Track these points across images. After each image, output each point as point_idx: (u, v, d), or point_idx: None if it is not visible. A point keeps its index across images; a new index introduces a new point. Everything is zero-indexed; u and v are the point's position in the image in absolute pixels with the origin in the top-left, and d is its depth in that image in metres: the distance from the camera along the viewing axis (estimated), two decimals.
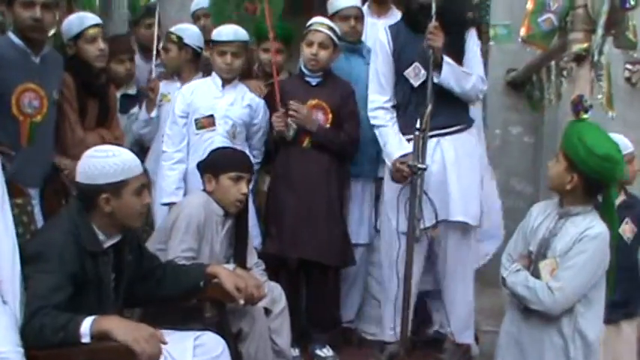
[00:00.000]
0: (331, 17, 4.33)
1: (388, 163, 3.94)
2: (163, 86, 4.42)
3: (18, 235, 2.95)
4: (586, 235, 2.95)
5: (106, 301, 2.83)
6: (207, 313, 3.19)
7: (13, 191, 3.18)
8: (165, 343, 2.56)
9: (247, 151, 4.09)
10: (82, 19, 3.85)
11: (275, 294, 3.70)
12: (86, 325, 2.49)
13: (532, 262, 3.10)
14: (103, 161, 2.77)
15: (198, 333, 3.01)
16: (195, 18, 4.92)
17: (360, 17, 4.39)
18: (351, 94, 4.22)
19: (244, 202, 3.61)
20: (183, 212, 3.49)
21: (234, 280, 3.11)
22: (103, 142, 3.81)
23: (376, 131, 4.04)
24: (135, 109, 4.47)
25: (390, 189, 3.97)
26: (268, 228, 4.20)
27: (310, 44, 4.12)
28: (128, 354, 2.44)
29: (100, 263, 2.80)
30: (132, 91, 4.55)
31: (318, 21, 4.18)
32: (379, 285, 4.30)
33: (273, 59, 4.17)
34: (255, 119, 4.17)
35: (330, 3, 4.45)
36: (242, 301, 3.10)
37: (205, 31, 4.52)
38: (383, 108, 4.02)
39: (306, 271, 4.19)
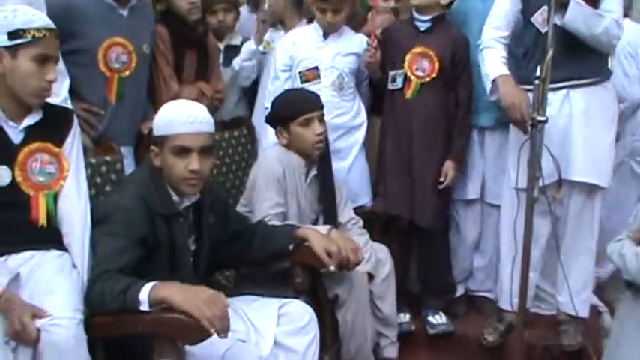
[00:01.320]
0: None
1: (487, 83, 3.56)
2: (267, 36, 4.20)
3: (105, 193, 2.90)
4: None
5: (182, 266, 2.69)
6: (298, 279, 2.99)
7: (104, 149, 3.16)
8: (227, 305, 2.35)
9: (358, 101, 3.87)
10: None
11: (380, 257, 3.46)
12: (145, 291, 2.32)
13: None
14: (161, 112, 2.67)
15: (284, 301, 2.85)
16: None
17: None
18: (467, 46, 3.82)
19: (325, 142, 3.36)
20: (260, 169, 3.31)
21: (326, 244, 2.90)
22: (202, 95, 3.71)
23: (482, 54, 3.63)
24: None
25: (514, 141, 3.59)
26: (377, 185, 3.94)
27: None
28: (191, 327, 2.26)
29: (173, 226, 2.66)
30: (236, 41, 4.33)
31: None
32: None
33: None
34: (363, 66, 3.85)
35: None
36: (333, 267, 2.89)
37: None
38: (497, 40, 3.60)
39: (416, 232, 3.91)
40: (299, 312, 2.80)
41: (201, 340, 2.28)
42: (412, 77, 3.79)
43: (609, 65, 3.69)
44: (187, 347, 2.40)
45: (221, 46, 4.29)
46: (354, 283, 3.18)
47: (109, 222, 2.53)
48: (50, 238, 2.54)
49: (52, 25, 2.52)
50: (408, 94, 3.80)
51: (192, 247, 2.77)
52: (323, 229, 3.10)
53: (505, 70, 3.53)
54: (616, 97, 3.72)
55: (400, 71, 3.81)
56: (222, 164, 3.69)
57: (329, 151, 3.47)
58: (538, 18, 3.49)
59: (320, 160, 3.42)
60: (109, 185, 3.00)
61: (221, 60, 4.26)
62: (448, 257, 4.05)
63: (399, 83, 3.82)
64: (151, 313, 2.31)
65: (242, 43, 4.29)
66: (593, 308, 4.04)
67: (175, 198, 2.68)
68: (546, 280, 3.89)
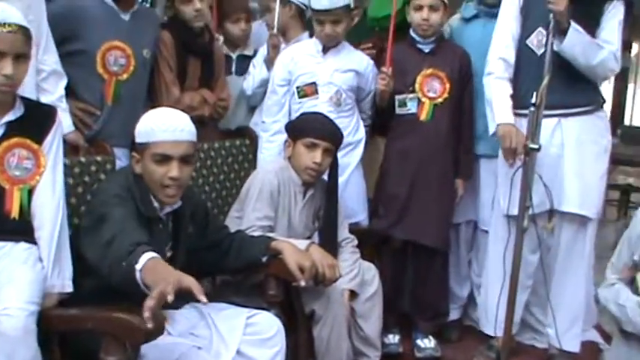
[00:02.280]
0: None
1: (490, 120, 3.55)
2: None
3: (92, 193, 2.95)
4: None
5: None
6: (271, 291, 2.98)
7: (97, 149, 3.21)
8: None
9: (356, 117, 3.85)
10: None
11: (367, 276, 3.44)
12: (142, 262, 2.28)
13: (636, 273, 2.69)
14: (144, 119, 2.68)
15: (255, 311, 2.82)
16: None
17: None
18: (470, 60, 3.85)
19: (319, 172, 3.35)
20: (256, 179, 3.32)
21: (298, 258, 2.89)
22: (204, 102, 3.76)
23: (487, 80, 3.62)
24: (250, 69, 4.23)
25: (504, 167, 3.57)
26: (376, 205, 3.93)
27: (419, 8, 3.76)
28: (134, 327, 2.22)
29: (154, 230, 2.69)
30: (249, 51, 4.34)
31: None
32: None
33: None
34: (363, 84, 3.85)
35: None
36: (303, 282, 2.88)
37: None
38: (505, 60, 3.58)
39: (413, 252, 3.88)
40: (267, 324, 2.77)
41: (146, 342, 2.28)
42: (425, 100, 3.80)
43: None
44: (142, 349, 2.41)
45: (234, 55, 4.32)
46: (331, 299, 3.15)
47: (109, 203, 2.56)
48: (21, 230, 2.57)
49: (7, 20, 2.51)
50: (422, 116, 3.80)
51: (168, 254, 2.78)
52: (301, 242, 3.10)
53: (510, 119, 3.49)
54: (609, 127, 3.66)
55: (411, 95, 3.82)
56: (221, 172, 3.72)
57: (337, 183, 3.45)
58: (534, 40, 3.50)
59: (328, 191, 3.42)
60: (96, 184, 3.01)
61: (233, 69, 4.31)
62: (446, 280, 4.02)
63: (411, 107, 3.83)
64: (100, 310, 2.34)
65: (254, 54, 4.29)
66: (594, 345, 3.96)
67: (156, 204, 2.71)
68: (541, 311, 3.84)
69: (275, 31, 4.11)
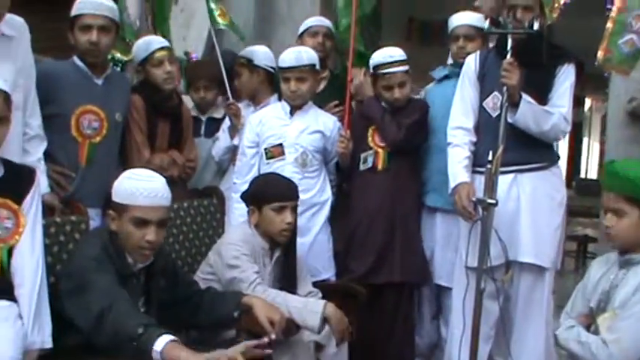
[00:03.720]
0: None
1: (450, 186, 3.70)
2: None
3: (68, 251, 3.04)
4: None
5: None
6: None
7: (72, 209, 3.32)
8: None
9: (322, 178, 4.00)
10: (149, 43, 3.89)
11: None
12: (159, 345, 2.45)
13: (593, 321, 2.82)
14: (121, 179, 2.80)
15: None
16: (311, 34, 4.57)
17: (473, 37, 4.08)
18: (426, 110, 4.06)
19: (292, 231, 3.46)
20: (228, 249, 3.34)
21: (268, 312, 3.00)
22: (174, 163, 3.88)
23: (449, 150, 3.78)
24: (219, 133, 4.41)
25: (464, 221, 3.72)
26: (347, 261, 4.07)
27: (389, 88, 3.97)
28: None
29: (128, 285, 2.78)
30: (218, 114, 4.51)
31: (388, 60, 3.97)
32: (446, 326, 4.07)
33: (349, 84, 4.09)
34: (329, 145, 4.01)
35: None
36: (273, 335, 2.97)
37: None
38: (463, 128, 3.76)
39: (378, 305, 4.00)
40: None
41: None
42: (378, 150, 4.00)
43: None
44: None
45: (203, 117, 4.49)
46: (298, 352, 3.25)
47: (89, 268, 2.67)
48: (1, 288, 2.65)
49: None
50: (379, 165, 4.00)
51: (142, 309, 2.88)
52: (318, 303, 3.25)
53: (466, 178, 3.67)
54: (564, 182, 3.84)
55: (370, 151, 4.01)
56: (190, 231, 3.81)
57: (295, 238, 3.53)
58: (489, 102, 3.68)
59: (285, 245, 3.49)
60: (72, 244, 3.12)
61: (202, 131, 4.47)
62: (411, 330, 4.14)
63: (369, 163, 4.02)
64: None
65: (224, 116, 4.45)
66: None
67: (130, 260, 2.82)
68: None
69: (231, 99, 4.30)
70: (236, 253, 3.29)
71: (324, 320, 3.21)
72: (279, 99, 4.17)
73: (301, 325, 3.19)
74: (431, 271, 4.15)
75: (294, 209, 3.44)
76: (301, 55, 3.90)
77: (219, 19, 4.60)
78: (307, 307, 3.21)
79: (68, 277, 2.76)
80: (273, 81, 4.34)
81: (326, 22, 4.57)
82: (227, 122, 4.36)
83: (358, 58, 4.28)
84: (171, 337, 2.48)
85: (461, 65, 3.95)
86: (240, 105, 4.37)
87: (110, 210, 2.82)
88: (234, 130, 4.28)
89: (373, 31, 4.76)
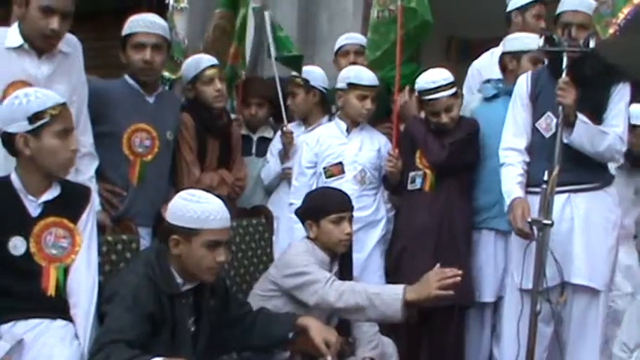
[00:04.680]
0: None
1: (506, 203, 3.63)
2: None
3: (119, 270, 3.03)
4: None
5: (182, 345, 2.76)
6: None
7: (122, 228, 3.31)
8: None
9: (379, 196, 4.02)
10: (199, 62, 3.89)
11: (387, 349, 3.49)
12: None
13: None
14: (184, 203, 2.73)
15: None
16: (343, 54, 4.69)
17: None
18: (476, 129, 3.98)
19: (350, 241, 3.42)
20: (296, 260, 3.28)
21: (324, 334, 2.94)
22: (223, 182, 3.87)
23: (502, 170, 3.73)
24: (268, 156, 4.41)
25: (517, 242, 3.66)
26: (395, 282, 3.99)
27: (437, 114, 3.91)
28: None
29: (176, 306, 2.75)
30: (268, 134, 4.51)
31: (432, 86, 3.89)
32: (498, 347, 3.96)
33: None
34: (383, 163, 4.01)
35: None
36: (329, 358, 2.93)
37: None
38: (515, 149, 3.71)
39: (427, 325, 3.94)
40: None
41: None
42: (426, 171, 3.95)
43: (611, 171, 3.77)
44: None
45: (254, 137, 4.49)
46: None
47: (119, 297, 2.63)
48: (57, 308, 2.65)
49: (62, 100, 2.70)
50: (427, 187, 3.96)
51: (192, 329, 2.85)
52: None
53: (520, 194, 3.60)
54: (618, 202, 3.76)
55: (419, 172, 3.97)
56: (239, 250, 3.77)
57: (351, 250, 3.50)
58: (542, 123, 3.62)
59: (342, 256, 3.46)
60: (123, 263, 3.11)
61: (254, 150, 4.46)
62: (461, 351, 4.06)
63: (417, 184, 3.97)
64: None
65: (275, 135, 4.45)
66: None
67: (179, 280, 2.78)
68: None
69: (287, 126, 4.28)
70: (305, 262, 3.24)
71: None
72: (330, 119, 4.18)
73: (381, 316, 3.11)
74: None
75: (351, 220, 3.40)
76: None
77: (292, 48, 4.60)
78: (385, 292, 3.11)
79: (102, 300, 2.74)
80: (325, 102, 4.35)
81: (357, 39, 4.63)
82: (276, 145, 4.35)
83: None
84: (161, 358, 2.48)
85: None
86: (291, 125, 4.37)
87: (174, 235, 2.74)
88: (286, 157, 4.27)
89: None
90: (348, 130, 4.03)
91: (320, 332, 2.94)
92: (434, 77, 3.90)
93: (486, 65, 4.46)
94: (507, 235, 3.91)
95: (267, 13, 4.64)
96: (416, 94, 4.03)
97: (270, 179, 4.37)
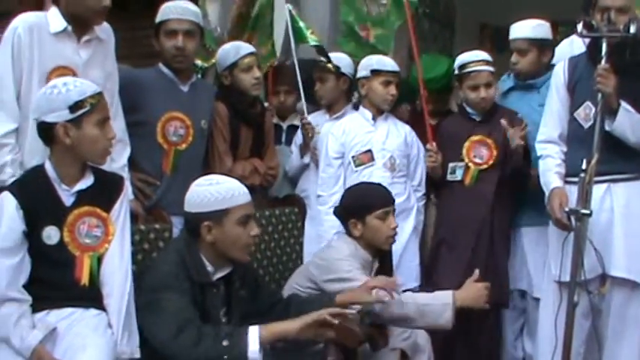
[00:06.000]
0: None
1: (546, 194, 3.56)
2: (311, 118, 4.26)
3: (152, 259, 3.03)
4: None
5: None
6: (331, 357, 2.99)
7: (155, 217, 3.29)
8: None
9: (409, 184, 4.01)
10: (238, 49, 3.84)
11: (419, 341, 3.41)
12: (254, 342, 2.52)
13: None
14: (204, 189, 2.74)
15: None
16: None
17: (538, 47, 3.99)
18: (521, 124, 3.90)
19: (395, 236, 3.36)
20: (341, 264, 3.20)
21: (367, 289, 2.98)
22: (255, 171, 3.84)
23: (540, 162, 3.67)
24: (292, 147, 4.38)
25: (555, 234, 3.57)
26: (433, 274, 4.00)
27: (475, 88, 3.89)
28: None
29: (207, 295, 2.75)
30: (298, 122, 4.44)
31: (474, 59, 3.92)
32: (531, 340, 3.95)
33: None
34: (410, 151, 4.03)
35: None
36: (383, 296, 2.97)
37: None
38: (552, 142, 3.64)
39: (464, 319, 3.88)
40: None
41: None
42: (470, 165, 3.90)
43: None
44: None
45: (284, 125, 4.46)
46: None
47: (164, 286, 2.64)
48: (90, 297, 2.64)
49: (99, 89, 2.69)
50: (467, 180, 3.90)
51: (224, 319, 2.84)
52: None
53: (559, 183, 3.55)
54: None
55: (460, 163, 3.93)
56: (271, 240, 3.75)
57: (392, 247, 3.45)
58: (581, 113, 3.54)
59: (382, 256, 3.42)
60: (155, 252, 3.11)
61: (283, 138, 4.45)
62: (496, 349, 4.04)
63: (458, 175, 3.95)
64: None
65: None
66: None
67: (210, 268, 2.77)
68: None
69: (307, 117, 4.23)
70: (349, 267, 3.18)
71: None
72: (355, 107, 4.16)
73: (431, 325, 3.12)
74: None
75: (394, 212, 3.35)
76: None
77: (311, 37, 4.52)
78: (435, 301, 3.09)
79: (140, 292, 2.72)
80: (351, 91, 4.32)
81: None
82: (299, 137, 4.31)
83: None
84: (256, 327, 2.55)
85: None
86: (316, 113, 4.34)
87: (205, 222, 2.72)
88: (306, 148, 4.23)
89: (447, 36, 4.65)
90: (374, 119, 4.01)
91: (362, 288, 2.98)
92: (477, 52, 3.97)
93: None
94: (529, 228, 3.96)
95: (287, 5, 4.61)
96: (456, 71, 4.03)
97: (293, 172, 4.35)
